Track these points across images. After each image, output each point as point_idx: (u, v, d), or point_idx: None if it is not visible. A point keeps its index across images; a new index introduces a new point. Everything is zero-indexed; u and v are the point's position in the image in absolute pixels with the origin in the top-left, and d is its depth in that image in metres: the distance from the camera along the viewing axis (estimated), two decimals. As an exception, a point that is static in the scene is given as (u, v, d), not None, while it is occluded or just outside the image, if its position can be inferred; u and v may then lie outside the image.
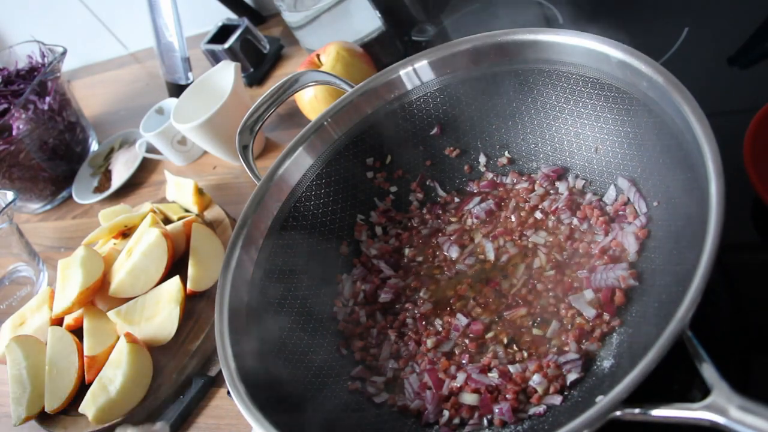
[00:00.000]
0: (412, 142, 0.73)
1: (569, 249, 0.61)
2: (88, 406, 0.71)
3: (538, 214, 0.65)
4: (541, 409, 0.54)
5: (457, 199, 0.72)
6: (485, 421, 0.55)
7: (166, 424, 0.69)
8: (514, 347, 0.58)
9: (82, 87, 1.49)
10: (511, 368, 0.56)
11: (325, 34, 0.96)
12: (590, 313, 0.56)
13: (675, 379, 0.43)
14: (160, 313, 0.76)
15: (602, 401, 0.40)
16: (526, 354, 0.57)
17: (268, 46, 1.11)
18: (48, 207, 1.20)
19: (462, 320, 0.61)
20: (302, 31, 1.01)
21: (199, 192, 0.89)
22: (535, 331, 0.58)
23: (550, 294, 0.59)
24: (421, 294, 0.65)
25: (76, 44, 1.35)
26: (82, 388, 0.76)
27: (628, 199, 0.60)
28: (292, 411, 0.57)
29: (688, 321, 0.40)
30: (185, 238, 0.83)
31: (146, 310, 0.77)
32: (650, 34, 0.75)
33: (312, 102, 0.88)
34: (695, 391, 0.40)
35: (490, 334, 0.60)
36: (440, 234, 0.69)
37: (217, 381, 0.74)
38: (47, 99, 1.11)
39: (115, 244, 0.89)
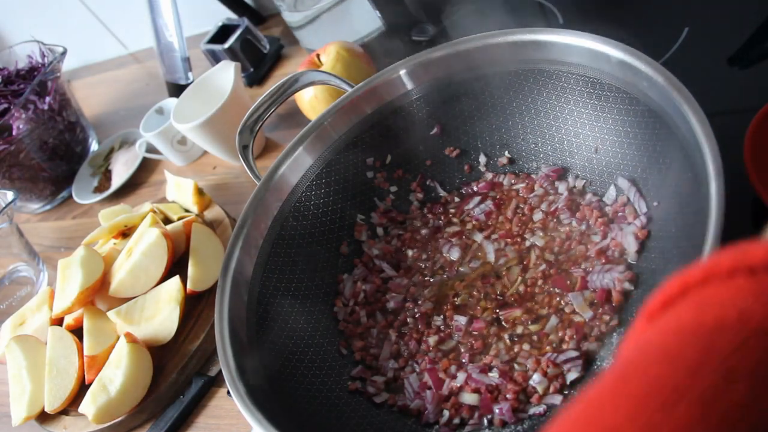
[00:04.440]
0: (412, 142, 0.73)
1: (568, 250, 0.61)
2: (88, 406, 0.71)
3: (538, 215, 0.65)
4: (541, 409, 0.54)
5: (457, 199, 0.72)
6: (485, 421, 0.55)
7: None
8: (515, 345, 0.58)
9: (82, 87, 1.49)
10: (515, 365, 0.56)
11: (325, 34, 0.96)
12: (587, 314, 0.56)
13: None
14: (160, 313, 0.76)
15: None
16: (528, 347, 0.57)
17: (268, 46, 1.11)
18: (48, 207, 1.19)
19: (461, 320, 0.61)
20: (302, 31, 1.01)
21: (199, 192, 0.89)
22: (533, 327, 0.58)
23: (549, 293, 0.59)
24: (425, 293, 0.65)
25: (76, 44, 1.35)
26: (82, 388, 0.76)
27: (628, 199, 0.60)
28: (292, 411, 0.57)
29: (688, 321, 0.40)
30: (185, 238, 0.83)
31: (146, 310, 0.77)
32: (650, 34, 0.75)
33: (312, 102, 0.88)
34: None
35: (491, 331, 0.60)
36: (441, 235, 0.69)
37: (217, 381, 0.74)
38: (47, 99, 1.11)
39: (115, 244, 0.89)
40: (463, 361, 0.59)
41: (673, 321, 0.23)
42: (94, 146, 1.23)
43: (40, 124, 1.11)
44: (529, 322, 0.58)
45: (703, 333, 0.21)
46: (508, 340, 0.58)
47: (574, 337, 0.56)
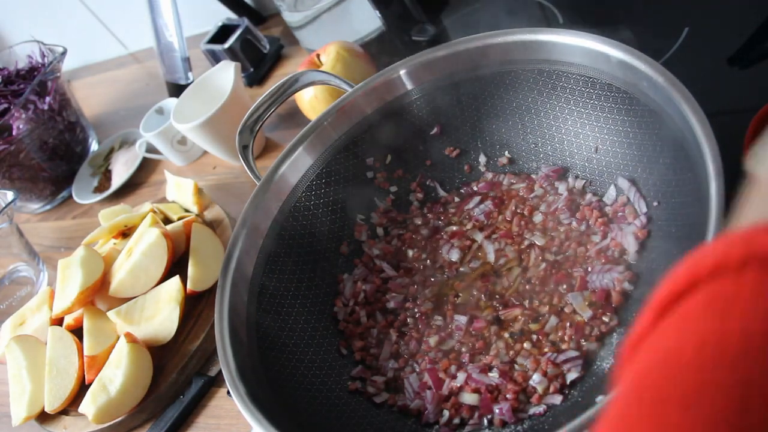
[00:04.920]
0: (412, 142, 0.73)
1: (567, 250, 0.61)
2: (88, 406, 0.71)
3: (538, 215, 0.65)
4: (541, 409, 0.54)
5: (457, 199, 0.72)
6: (485, 421, 0.55)
7: None
8: (516, 344, 0.58)
9: (82, 87, 1.49)
10: (515, 365, 0.56)
11: (325, 34, 0.96)
12: (587, 313, 0.56)
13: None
14: (160, 313, 0.76)
15: (602, 401, 0.40)
16: (528, 345, 0.57)
17: (268, 46, 1.11)
18: (48, 207, 1.19)
19: (461, 320, 0.61)
20: (302, 31, 1.01)
21: (199, 192, 0.89)
22: (533, 326, 0.58)
23: (549, 293, 0.59)
24: (425, 293, 0.65)
25: (76, 44, 1.35)
26: (82, 388, 0.76)
27: (628, 199, 0.60)
28: (292, 411, 0.57)
29: (688, 321, 0.40)
30: (185, 238, 0.83)
31: (146, 310, 0.77)
32: (650, 34, 0.75)
33: (312, 102, 0.88)
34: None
35: (492, 331, 0.60)
36: (441, 235, 0.69)
37: (217, 381, 0.74)
38: (47, 99, 1.11)
39: (115, 244, 0.89)
40: (463, 361, 0.59)
41: (679, 325, 0.23)
42: (94, 146, 1.23)
43: (40, 124, 1.11)
44: (529, 321, 0.58)
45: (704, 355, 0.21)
46: (508, 338, 0.58)
47: (574, 337, 0.56)
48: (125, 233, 0.89)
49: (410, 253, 0.69)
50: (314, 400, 0.59)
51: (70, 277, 0.79)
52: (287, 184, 0.70)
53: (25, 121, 1.09)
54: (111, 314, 0.77)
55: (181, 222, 0.84)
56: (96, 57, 1.56)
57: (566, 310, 0.58)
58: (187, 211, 0.91)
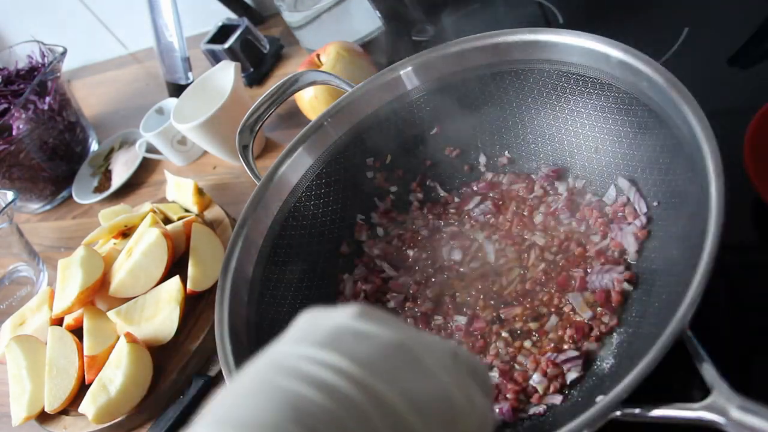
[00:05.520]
0: (412, 142, 0.73)
1: (567, 250, 0.61)
2: (88, 406, 0.71)
3: (538, 215, 0.65)
4: (541, 408, 0.54)
5: (457, 199, 0.72)
6: (485, 421, 0.55)
7: None
8: (516, 341, 0.58)
9: (82, 87, 1.49)
10: (515, 366, 0.56)
11: (325, 34, 0.96)
12: (587, 313, 0.56)
13: (675, 379, 0.43)
14: (160, 313, 0.76)
15: (602, 401, 0.40)
16: (529, 344, 0.57)
17: (268, 46, 1.11)
18: (48, 207, 1.20)
19: (461, 320, 0.61)
20: (302, 31, 1.01)
21: (199, 192, 0.89)
22: (533, 325, 0.58)
23: (549, 293, 0.59)
24: (426, 293, 0.65)
25: (76, 44, 1.35)
26: (82, 388, 0.76)
27: (628, 199, 0.60)
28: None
29: (688, 321, 0.40)
30: (185, 238, 0.83)
31: (146, 310, 0.77)
32: (650, 34, 0.75)
33: (312, 102, 0.88)
34: (695, 391, 0.40)
35: (492, 329, 0.59)
36: (441, 235, 0.69)
37: (217, 381, 0.74)
38: (47, 99, 1.11)
39: (115, 244, 0.89)
40: (463, 361, 0.59)
41: None
42: (94, 146, 1.23)
43: (40, 124, 1.11)
44: (529, 320, 0.58)
45: None
46: (509, 337, 0.58)
47: (574, 336, 0.56)
48: (125, 233, 0.89)
49: (410, 253, 0.69)
50: (314, 400, 0.59)
51: (70, 277, 0.79)
52: (287, 184, 0.70)
53: (25, 121, 1.09)
54: (111, 314, 0.77)
55: (181, 222, 0.84)
56: (96, 57, 1.56)
57: (566, 310, 0.58)
58: (187, 211, 0.91)
